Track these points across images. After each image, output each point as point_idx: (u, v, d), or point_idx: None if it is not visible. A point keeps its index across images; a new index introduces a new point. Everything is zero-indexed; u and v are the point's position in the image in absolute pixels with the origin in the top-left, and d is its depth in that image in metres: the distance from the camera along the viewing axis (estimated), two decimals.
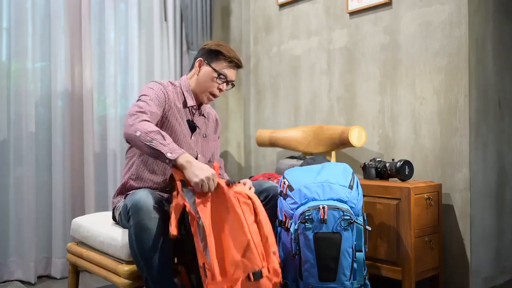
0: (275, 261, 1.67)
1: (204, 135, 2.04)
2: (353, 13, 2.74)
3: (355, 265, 1.80)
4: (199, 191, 1.60)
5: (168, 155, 1.63)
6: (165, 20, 3.18)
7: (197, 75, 1.99)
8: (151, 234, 1.61)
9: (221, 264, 1.58)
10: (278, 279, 1.67)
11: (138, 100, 1.83)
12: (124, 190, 1.95)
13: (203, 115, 2.06)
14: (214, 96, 1.99)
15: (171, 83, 2.00)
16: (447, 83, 2.33)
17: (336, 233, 1.76)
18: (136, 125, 1.69)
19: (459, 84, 2.29)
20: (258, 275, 1.58)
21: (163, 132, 1.69)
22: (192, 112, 2.01)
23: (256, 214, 1.68)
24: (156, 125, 1.85)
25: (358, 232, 1.84)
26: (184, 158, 1.63)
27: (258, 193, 1.92)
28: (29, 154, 2.60)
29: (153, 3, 3.11)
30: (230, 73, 1.99)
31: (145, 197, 1.65)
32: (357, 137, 2.49)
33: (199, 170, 1.60)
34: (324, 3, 2.91)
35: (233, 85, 2.05)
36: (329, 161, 2.59)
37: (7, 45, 2.58)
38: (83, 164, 2.78)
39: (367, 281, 1.88)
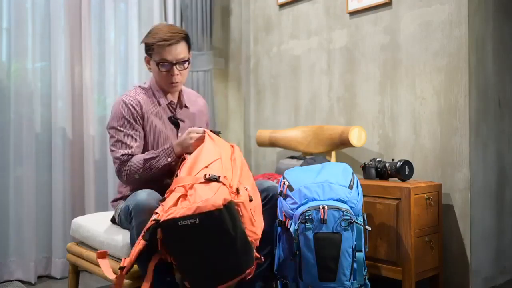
0: (244, 194, 1.56)
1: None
2: (353, 13, 2.74)
3: (355, 265, 1.80)
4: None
5: (169, 160, 1.83)
6: (165, 20, 3.17)
7: (151, 72, 1.99)
8: None
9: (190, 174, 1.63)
10: (240, 201, 1.53)
11: (111, 144, 1.90)
12: (123, 198, 1.96)
13: (185, 106, 2.05)
14: (173, 83, 1.93)
15: (141, 87, 1.98)
16: (447, 83, 2.33)
17: (336, 233, 1.76)
18: (129, 174, 1.85)
19: (459, 84, 2.29)
20: (213, 177, 1.52)
21: (146, 155, 1.84)
22: (172, 108, 2.00)
23: (232, 155, 1.75)
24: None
25: (358, 232, 1.84)
26: (177, 150, 1.83)
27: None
28: (29, 154, 2.60)
29: (153, 3, 3.11)
30: (169, 53, 1.86)
31: (147, 198, 1.65)
32: (357, 137, 2.49)
33: (186, 143, 1.81)
34: (324, 3, 2.91)
35: (188, 62, 1.93)
36: (329, 161, 2.59)
37: (7, 45, 2.58)
38: (83, 164, 2.78)
39: (367, 281, 1.88)
